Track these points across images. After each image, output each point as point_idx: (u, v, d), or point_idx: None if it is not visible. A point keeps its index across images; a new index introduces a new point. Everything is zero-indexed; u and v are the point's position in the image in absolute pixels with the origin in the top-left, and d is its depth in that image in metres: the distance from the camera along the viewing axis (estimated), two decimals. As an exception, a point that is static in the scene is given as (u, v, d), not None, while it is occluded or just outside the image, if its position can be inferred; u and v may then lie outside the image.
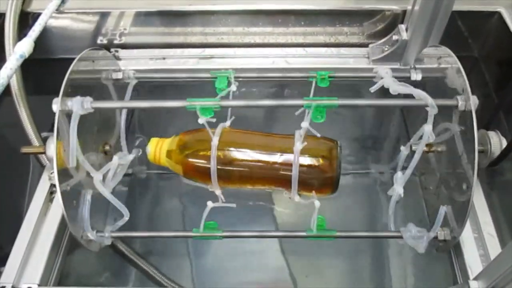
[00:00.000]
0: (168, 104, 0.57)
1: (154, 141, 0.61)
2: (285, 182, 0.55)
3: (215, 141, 0.55)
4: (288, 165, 0.55)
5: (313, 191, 0.54)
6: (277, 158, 0.57)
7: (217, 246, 0.79)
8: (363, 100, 0.59)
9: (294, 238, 0.59)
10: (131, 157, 0.63)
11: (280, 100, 0.57)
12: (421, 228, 0.53)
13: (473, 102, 0.50)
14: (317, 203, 0.52)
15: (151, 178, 0.85)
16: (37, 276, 0.55)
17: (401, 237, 0.53)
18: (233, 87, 0.61)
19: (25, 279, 0.55)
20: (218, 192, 0.57)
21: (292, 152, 0.54)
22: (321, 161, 0.56)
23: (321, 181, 0.56)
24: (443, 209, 0.52)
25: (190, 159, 0.59)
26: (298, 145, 0.53)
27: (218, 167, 0.55)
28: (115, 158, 0.58)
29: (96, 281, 0.68)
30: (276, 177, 0.57)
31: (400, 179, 0.53)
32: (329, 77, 0.64)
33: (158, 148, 0.60)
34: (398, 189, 0.52)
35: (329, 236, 0.54)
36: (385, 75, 0.61)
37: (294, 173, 0.53)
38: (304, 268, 0.75)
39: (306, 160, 0.56)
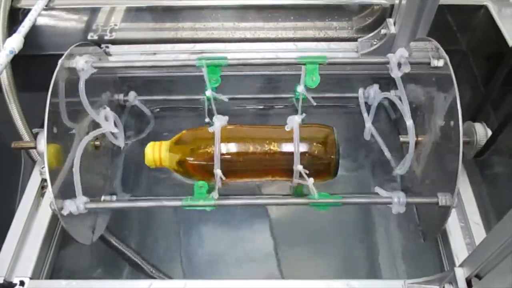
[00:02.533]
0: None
1: (151, 145, 0.61)
2: (288, 172, 0.56)
3: (218, 135, 0.55)
4: (289, 154, 0.55)
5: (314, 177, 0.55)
6: (278, 147, 0.57)
7: (209, 237, 0.80)
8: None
9: (294, 205, 0.58)
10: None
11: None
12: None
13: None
14: (310, 181, 0.53)
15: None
16: (29, 270, 0.55)
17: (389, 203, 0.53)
18: (225, 98, 0.59)
19: (17, 272, 0.55)
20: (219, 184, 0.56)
21: (291, 140, 0.55)
22: (320, 147, 0.57)
23: (322, 166, 0.57)
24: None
25: (194, 157, 0.59)
26: (297, 129, 0.53)
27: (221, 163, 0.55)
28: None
29: (88, 275, 0.68)
30: (278, 167, 0.58)
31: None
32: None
33: (157, 151, 0.60)
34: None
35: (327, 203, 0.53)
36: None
37: (296, 159, 0.54)
38: (295, 259, 0.76)
39: (306, 147, 0.57)
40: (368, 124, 0.63)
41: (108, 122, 0.60)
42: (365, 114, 0.64)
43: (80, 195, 0.54)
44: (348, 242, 0.74)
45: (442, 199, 0.49)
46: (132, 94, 0.71)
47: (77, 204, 0.52)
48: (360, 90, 0.66)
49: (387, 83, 0.69)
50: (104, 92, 0.67)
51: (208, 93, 0.58)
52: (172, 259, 0.76)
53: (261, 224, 0.80)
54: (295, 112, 0.57)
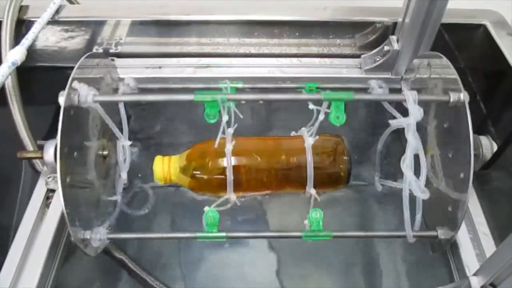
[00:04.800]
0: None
1: (159, 159, 0.60)
2: (300, 183, 0.56)
3: (229, 147, 0.55)
4: (301, 166, 0.56)
5: (326, 186, 0.55)
6: (290, 160, 0.58)
7: (208, 254, 0.79)
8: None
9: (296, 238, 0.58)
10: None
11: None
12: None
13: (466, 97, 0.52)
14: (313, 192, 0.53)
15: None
16: (34, 282, 0.54)
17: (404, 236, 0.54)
18: (225, 117, 0.56)
19: (21, 284, 0.53)
20: (233, 197, 0.57)
21: (302, 152, 0.55)
22: (330, 157, 0.57)
23: (333, 176, 0.57)
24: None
25: (205, 172, 0.59)
26: (310, 142, 0.54)
27: (233, 176, 0.56)
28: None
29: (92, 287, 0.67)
30: (291, 179, 0.58)
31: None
32: (317, 88, 0.65)
33: (166, 166, 0.60)
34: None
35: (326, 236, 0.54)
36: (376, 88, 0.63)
37: (309, 172, 0.54)
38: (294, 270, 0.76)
39: (318, 158, 0.57)
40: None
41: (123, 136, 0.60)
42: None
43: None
44: (350, 253, 0.73)
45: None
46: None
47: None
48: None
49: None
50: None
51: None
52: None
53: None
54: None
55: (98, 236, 0.55)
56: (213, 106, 0.53)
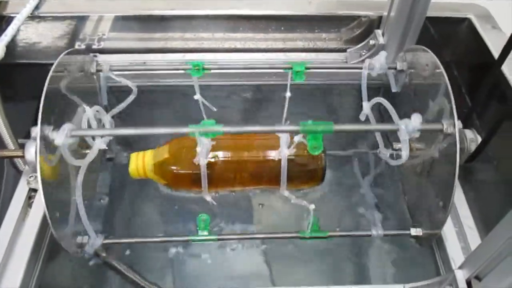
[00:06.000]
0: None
1: (133, 156, 0.61)
2: (275, 180, 0.55)
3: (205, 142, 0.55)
4: (276, 163, 0.55)
5: (302, 184, 0.55)
6: (265, 155, 0.57)
7: (199, 252, 0.78)
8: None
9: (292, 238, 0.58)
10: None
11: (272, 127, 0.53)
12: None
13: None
14: (311, 207, 0.53)
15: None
16: (17, 282, 0.53)
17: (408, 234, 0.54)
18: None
19: (4, 285, 0.52)
20: (208, 198, 0.56)
21: (277, 148, 0.54)
22: (307, 154, 0.57)
23: (308, 174, 0.57)
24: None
25: (179, 169, 0.58)
26: (284, 138, 0.53)
27: (208, 172, 0.55)
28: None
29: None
30: (265, 175, 0.58)
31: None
32: (306, 68, 0.62)
33: (140, 162, 0.59)
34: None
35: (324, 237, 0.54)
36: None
37: (283, 168, 0.53)
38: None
39: (294, 154, 0.57)
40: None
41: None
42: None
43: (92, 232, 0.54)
44: (337, 248, 0.73)
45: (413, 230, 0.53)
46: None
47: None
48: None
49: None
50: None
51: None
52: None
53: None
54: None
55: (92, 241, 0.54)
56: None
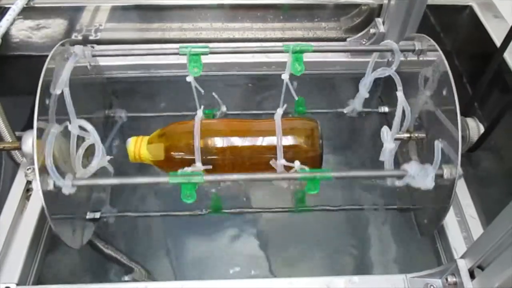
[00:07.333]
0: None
1: (133, 139, 0.60)
2: (271, 166, 0.55)
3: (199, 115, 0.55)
4: (272, 149, 0.55)
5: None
6: (261, 142, 0.57)
7: (198, 238, 0.78)
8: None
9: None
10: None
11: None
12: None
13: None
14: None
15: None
16: (16, 275, 0.52)
17: (402, 176, 0.51)
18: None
19: (2, 278, 0.52)
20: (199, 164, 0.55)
21: (274, 134, 0.54)
22: (304, 140, 0.57)
23: (306, 159, 0.56)
24: (438, 144, 0.51)
25: (173, 150, 0.58)
26: (280, 123, 0.53)
27: (202, 157, 0.54)
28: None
29: (76, 280, 0.66)
30: (261, 161, 0.57)
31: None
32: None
33: (138, 144, 0.59)
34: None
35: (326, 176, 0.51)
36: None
37: (279, 154, 0.53)
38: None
39: (290, 141, 0.56)
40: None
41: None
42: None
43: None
44: (338, 236, 0.73)
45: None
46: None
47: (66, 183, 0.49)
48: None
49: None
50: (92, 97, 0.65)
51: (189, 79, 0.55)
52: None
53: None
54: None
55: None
56: (189, 187, 0.50)
